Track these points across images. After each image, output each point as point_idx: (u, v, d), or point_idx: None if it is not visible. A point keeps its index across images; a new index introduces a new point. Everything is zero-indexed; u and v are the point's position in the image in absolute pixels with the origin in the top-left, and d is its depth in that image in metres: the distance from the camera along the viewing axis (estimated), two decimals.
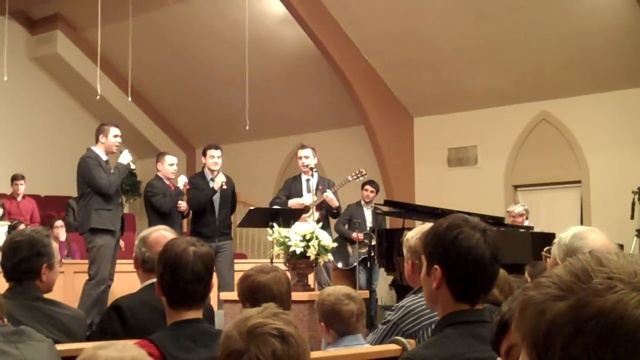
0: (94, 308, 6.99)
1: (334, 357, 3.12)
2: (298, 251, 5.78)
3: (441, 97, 11.88)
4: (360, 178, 8.82)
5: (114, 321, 3.25)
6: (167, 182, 8.40)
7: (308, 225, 6.03)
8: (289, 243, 5.80)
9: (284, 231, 5.87)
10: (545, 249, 3.54)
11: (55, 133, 14.38)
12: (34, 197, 12.00)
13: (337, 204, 8.35)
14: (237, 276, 4.39)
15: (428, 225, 2.61)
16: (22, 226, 9.20)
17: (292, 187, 8.54)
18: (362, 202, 10.38)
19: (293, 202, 8.31)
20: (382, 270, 9.75)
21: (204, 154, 8.47)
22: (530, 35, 10.35)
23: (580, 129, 10.87)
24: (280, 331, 1.82)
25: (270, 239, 6.06)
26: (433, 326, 2.58)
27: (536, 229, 9.35)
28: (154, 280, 2.84)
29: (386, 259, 9.04)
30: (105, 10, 10.98)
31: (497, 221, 8.85)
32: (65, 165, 11.72)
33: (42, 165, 13.70)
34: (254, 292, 3.36)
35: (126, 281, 6.63)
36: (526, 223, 9.64)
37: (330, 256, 6.09)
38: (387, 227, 10.60)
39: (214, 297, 6.87)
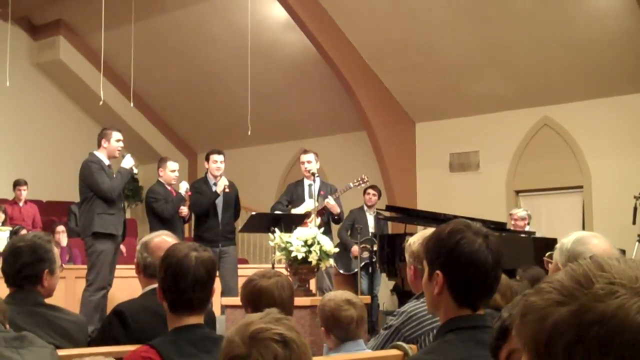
0: (96, 314, 6.97)
1: None
2: (300, 256, 5.77)
3: (443, 103, 11.89)
4: (362, 185, 8.83)
5: (116, 327, 3.25)
6: (169, 188, 8.39)
7: (310, 230, 6.03)
8: (290, 248, 5.79)
9: (285, 236, 5.87)
10: (547, 254, 3.55)
11: (57, 139, 14.40)
12: (35, 202, 12.00)
13: (338, 210, 8.36)
14: (241, 281, 4.39)
15: (430, 230, 2.60)
16: (23, 231, 9.21)
17: (294, 192, 8.55)
18: (365, 207, 10.37)
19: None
20: (383, 275, 9.74)
21: (207, 159, 8.45)
22: (532, 41, 10.36)
23: (582, 134, 10.87)
24: (283, 336, 1.82)
25: (271, 244, 6.05)
26: (435, 331, 2.58)
27: (538, 234, 9.35)
28: (156, 285, 2.84)
29: (388, 264, 9.04)
30: (108, 16, 10.99)
31: (499, 226, 8.85)
32: (67, 171, 11.72)
33: (44, 170, 13.70)
34: (256, 297, 3.36)
35: (127, 286, 6.62)
36: (527, 228, 9.64)
37: (331, 261, 6.09)
38: (389, 232, 10.60)
39: (216, 302, 6.87)
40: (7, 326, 2.57)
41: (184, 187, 8.42)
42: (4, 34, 12.37)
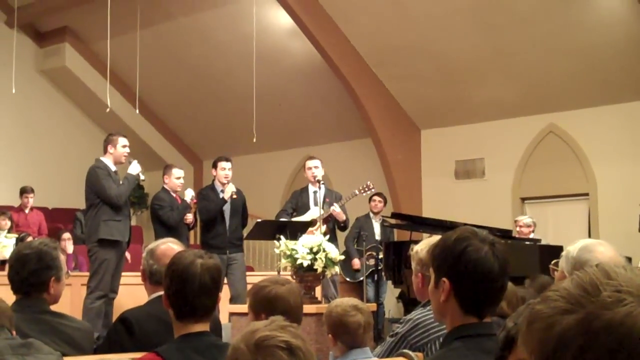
0: (98, 320, 6.97)
1: None
2: (305, 264, 5.77)
3: (448, 110, 11.88)
4: (368, 192, 8.82)
5: (122, 334, 3.25)
6: (174, 195, 8.39)
7: (315, 237, 6.03)
8: (296, 255, 5.79)
9: (291, 244, 5.87)
10: (552, 262, 3.54)
11: (63, 145, 14.42)
12: (41, 209, 12.01)
13: (344, 217, 8.35)
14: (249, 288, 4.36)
15: (436, 237, 2.60)
16: (29, 238, 9.21)
17: (299, 199, 8.53)
18: (371, 214, 10.37)
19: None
20: (389, 283, 9.73)
21: (215, 166, 8.42)
22: (538, 48, 10.35)
23: (588, 142, 10.85)
24: (288, 344, 1.81)
25: (277, 251, 6.05)
26: (441, 339, 2.57)
27: (544, 242, 9.34)
28: (162, 292, 2.84)
29: (394, 271, 9.03)
30: (114, 23, 11.01)
31: (505, 234, 8.83)
32: (73, 178, 11.74)
33: (50, 177, 13.72)
34: (271, 303, 3.32)
35: (133, 294, 6.63)
36: (532, 236, 9.62)
37: (337, 269, 6.08)
38: (395, 239, 10.58)
39: (224, 309, 6.86)
40: (14, 333, 2.58)
41: (189, 195, 8.42)
42: (9, 41, 12.40)
